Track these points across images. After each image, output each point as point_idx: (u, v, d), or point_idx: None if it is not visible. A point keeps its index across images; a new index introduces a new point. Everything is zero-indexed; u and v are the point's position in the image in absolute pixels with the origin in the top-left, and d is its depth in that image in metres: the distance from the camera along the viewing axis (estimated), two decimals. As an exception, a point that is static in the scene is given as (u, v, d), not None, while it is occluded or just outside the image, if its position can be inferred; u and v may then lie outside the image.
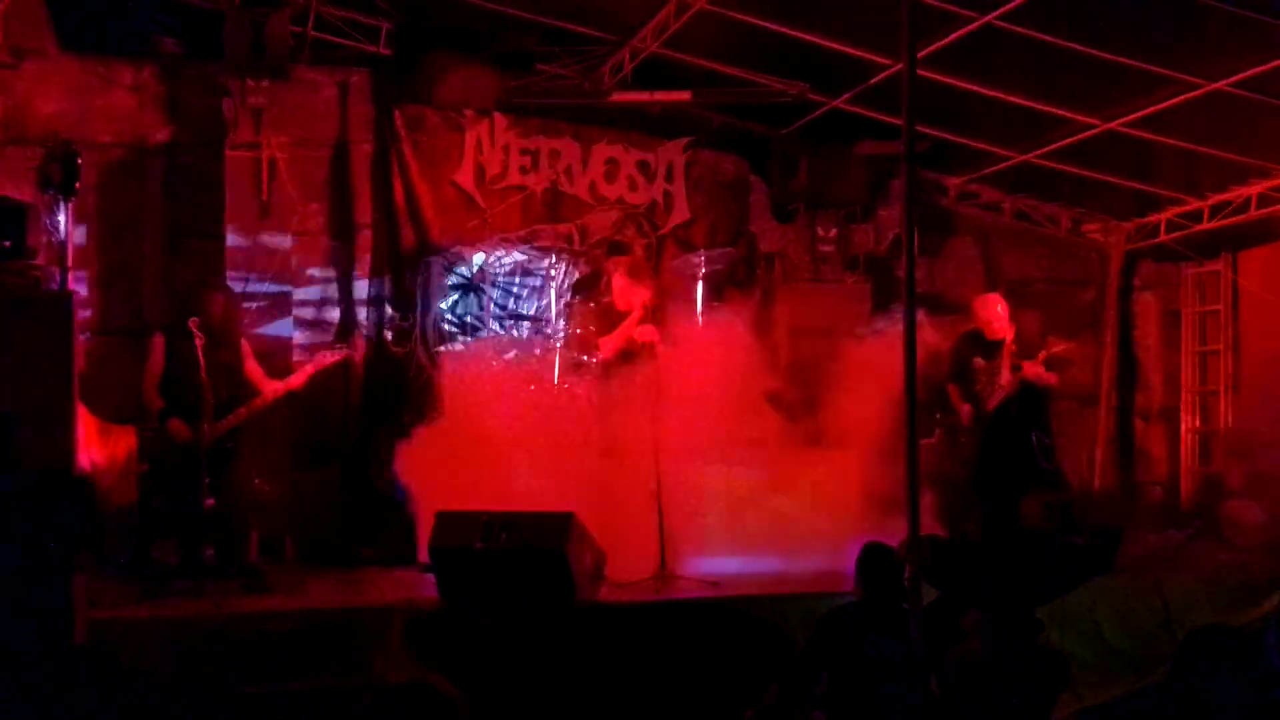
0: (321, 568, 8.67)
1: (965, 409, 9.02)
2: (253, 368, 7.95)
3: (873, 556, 5.66)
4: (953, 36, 8.23)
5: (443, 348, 9.56)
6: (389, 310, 9.80)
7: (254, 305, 9.20)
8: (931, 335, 8.74)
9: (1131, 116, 9.13)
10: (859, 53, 9.01)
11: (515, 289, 10.18)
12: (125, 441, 8.18)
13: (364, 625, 6.78)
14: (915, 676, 4.51)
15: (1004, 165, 10.67)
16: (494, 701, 6.26)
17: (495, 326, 9.91)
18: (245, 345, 8.05)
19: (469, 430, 8.43)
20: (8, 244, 6.38)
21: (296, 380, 7.93)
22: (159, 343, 7.82)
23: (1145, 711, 3.51)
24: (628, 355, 8.55)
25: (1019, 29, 8.09)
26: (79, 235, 8.68)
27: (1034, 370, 8.86)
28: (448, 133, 10.14)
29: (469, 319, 9.81)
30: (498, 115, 10.18)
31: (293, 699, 3.29)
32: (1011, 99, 9.24)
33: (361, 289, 9.90)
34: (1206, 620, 7.21)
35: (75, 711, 3.71)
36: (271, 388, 7.83)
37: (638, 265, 9.43)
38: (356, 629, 6.76)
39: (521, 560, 6.62)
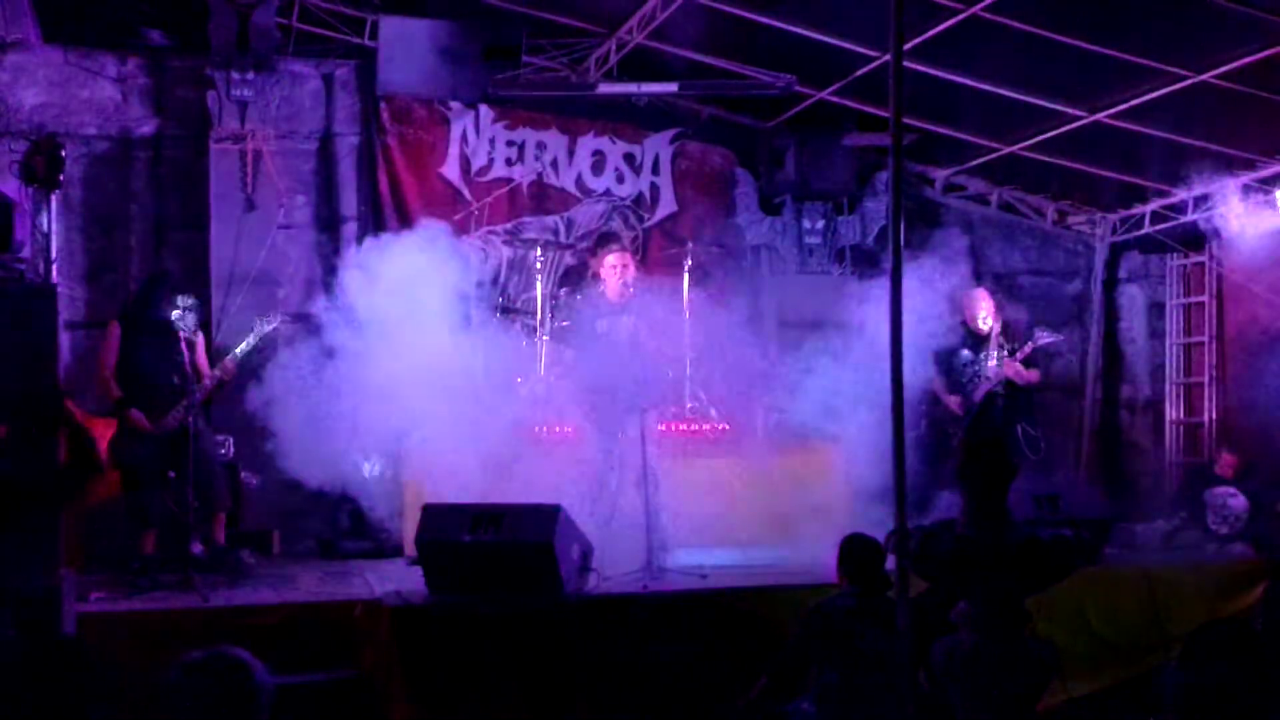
0: (309, 561, 8.68)
1: (953, 399, 9.08)
2: (201, 359, 7.95)
3: (856, 548, 5.67)
4: (939, 28, 8.23)
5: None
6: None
7: (239, 298, 9.18)
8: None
9: (1118, 108, 9.14)
10: (846, 44, 9.00)
11: (502, 281, 10.17)
12: (109, 435, 8.17)
13: (352, 618, 6.79)
14: (903, 668, 4.52)
15: (990, 157, 10.68)
16: (482, 694, 6.27)
17: (482, 319, 9.87)
18: (200, 338, 8.03)
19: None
20: (-9, 237, 6.35)
21: (231, 362, 7.92)
22: (114, 331, 7.81)
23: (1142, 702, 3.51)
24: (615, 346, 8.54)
25: (1005, 20, 8.10)
26: (63, 228, 8.65)
27: (1013, 369, 8.98)
28: (433, 125, 10.14)
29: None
30: (484, 107, 10.17)
31: (281, 692, 3.29)
32: (998, 90, 9.24)
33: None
34: (1193, 610, 7.26)
35: (64, 706, 3.71)
36: (210, 374, 7.86)
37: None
38: (345, 622, 6.76)
39: (509, 553, 6.62)
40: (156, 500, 7.57)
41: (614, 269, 8.28)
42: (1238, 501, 9.12)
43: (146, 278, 8.56)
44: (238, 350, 7.94)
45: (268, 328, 8.05)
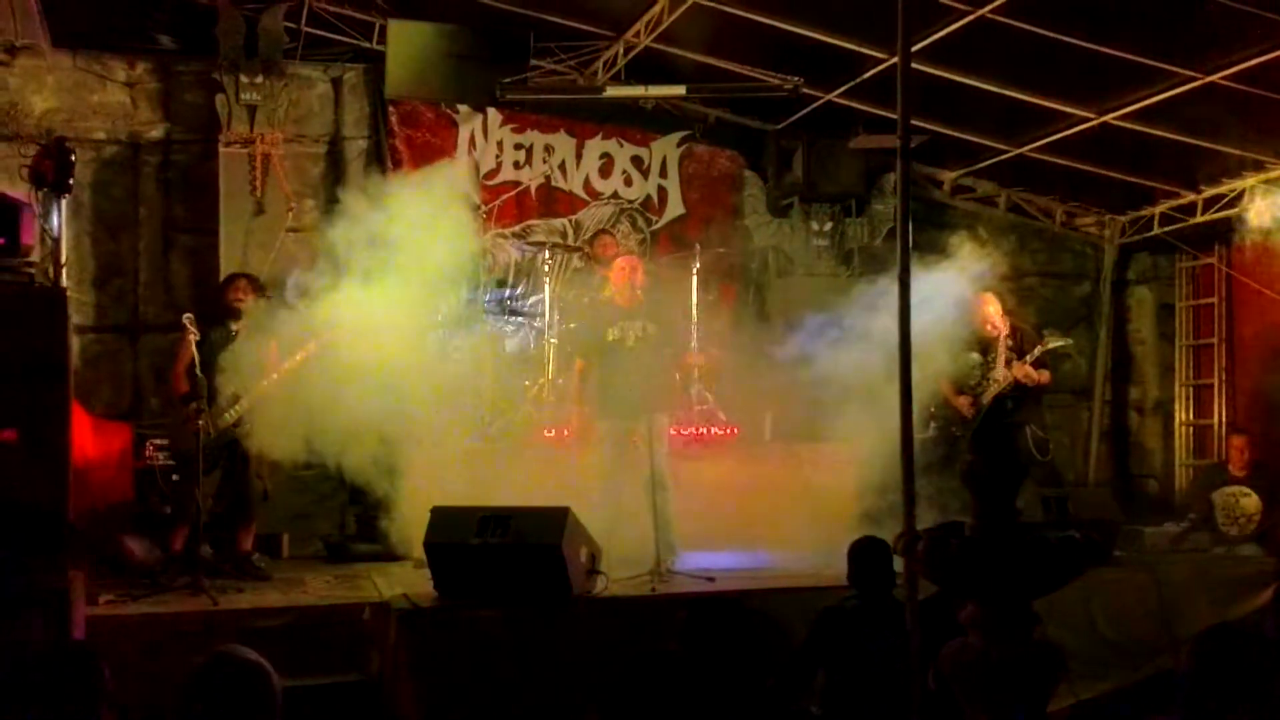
0: (317, 564, 8.69)
1: (961, 401, 9.06)
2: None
3: (866, 551, 5.67)
4: (948, 29, 8.22)
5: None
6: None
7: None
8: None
9: (1126, 109, 9.13)
10: (853, 45, 9.00)
11: (510, 284, 10.18)
12: (119, 438, 8.19)
13: (360, 621, 6.80)
14: (911, 671, 4.52)
15: (998, 159, 10.67)
16: (490, 697, 6.27)
17: (490, 322, 9.90)
18: (274, 343, 8.01)
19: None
20: (1, 241, 6.37)
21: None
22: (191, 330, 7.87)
23: (1151, 704, 3.50)
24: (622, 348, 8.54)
25: (1013, 21, 8.09)
26: (72, 232, 8.68)
27: (1023, 371, 8.96)
28: (442, 128, 10.16)
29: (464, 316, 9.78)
30: (491, 110, 10.18)
31: (289, 695, 3.30)
32: (1006, 92, 9.23)
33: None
34: (1202, 613, 7.24)
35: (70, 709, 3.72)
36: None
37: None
38: (353, 625, 6.77)
39: (517, 555, 6.62)
40: (195, 498, 7.62)
41: (622, 272, 8.28)
42: (1249, 500, 9.09)
43: (225, 279, 8.56)
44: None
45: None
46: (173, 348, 8.17)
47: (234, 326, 7.89)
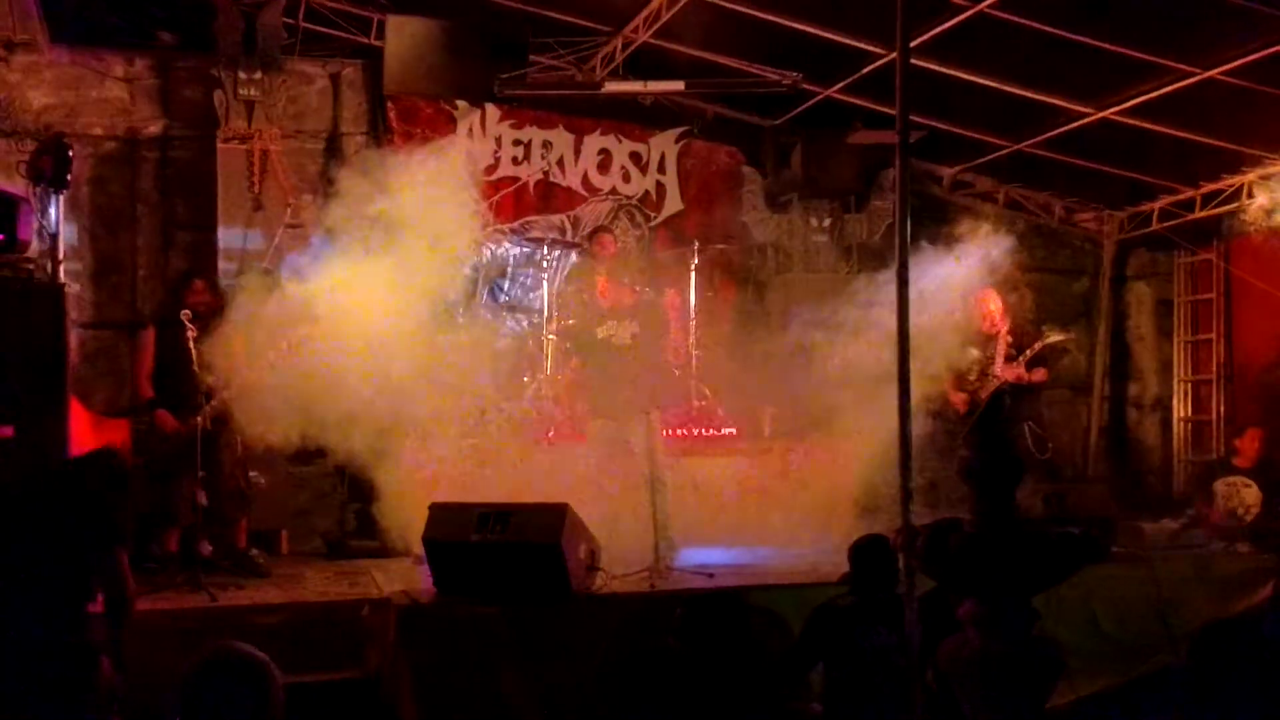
0: (317, 560, 8.69)
1: (960, 398, 9.06)
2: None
3: (867, 547, 5.67)
4: (946, 25, 8.22)
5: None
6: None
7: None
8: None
9: (1125, 105, 9.13)
10: (852, 41, 9.00)
11: (508, 279, 10.17)
12: (118, 435, 8.18)
13: (359, 618, 6.79)
14: (910, 667, 4.51)
15: (998, 154, 10.66)
16: (489, 694, 6.27)
17: (488, 317, 9.90)
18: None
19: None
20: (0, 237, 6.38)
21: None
22: (150, 335, 7.86)
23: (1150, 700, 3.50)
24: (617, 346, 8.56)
25: (1012, 17, 8.08)
26: (71, 228, 8.67)
27: (1015, 374, 8.95)
28: (440, 124, 10.14)
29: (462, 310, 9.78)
30: (490, 106, 10.17)
31: (288, 692, 3.30)
32: (1005, 88, 9.23)
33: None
34: (1201, 608, 7.23)
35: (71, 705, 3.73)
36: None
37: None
38: (352, 621, 6.77)
39: (516, 552, 6.61)
40: (182, 498, 7.60)
41: (610, 279, 8.30)
42: (1250, 492, 9.08)
43: (180, 280, 8.52)
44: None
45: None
46: (136, 349, 8.13)
47: (195, 327, 7.66)
